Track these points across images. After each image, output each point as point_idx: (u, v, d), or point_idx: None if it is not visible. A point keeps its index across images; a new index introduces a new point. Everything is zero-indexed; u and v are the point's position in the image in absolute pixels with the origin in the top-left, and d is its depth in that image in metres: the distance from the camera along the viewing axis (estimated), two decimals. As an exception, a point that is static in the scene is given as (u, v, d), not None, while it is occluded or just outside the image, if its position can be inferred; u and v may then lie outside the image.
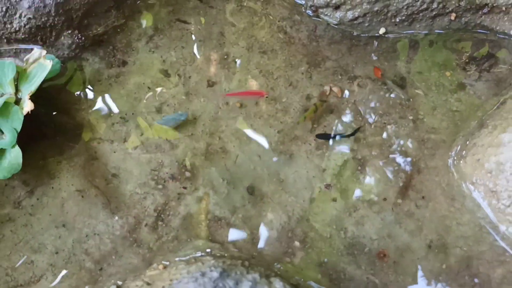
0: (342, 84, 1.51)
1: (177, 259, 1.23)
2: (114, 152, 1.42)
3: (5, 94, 1.38)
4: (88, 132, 1.44)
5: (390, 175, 1.38)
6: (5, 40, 1.48)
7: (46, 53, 1.41)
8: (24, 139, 1.33)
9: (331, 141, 1.42)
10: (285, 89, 1.50)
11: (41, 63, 1.39)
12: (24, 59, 1.42)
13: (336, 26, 1.58)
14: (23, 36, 1.47)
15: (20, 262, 1.27)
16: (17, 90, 1.40)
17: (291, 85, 1.51)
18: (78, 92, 1.50)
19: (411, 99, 1.48)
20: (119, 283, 1.17)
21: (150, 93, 1.49)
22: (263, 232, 1.31)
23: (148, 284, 1.11)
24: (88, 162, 1.40)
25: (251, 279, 1.07)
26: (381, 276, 1.26)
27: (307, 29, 1.59)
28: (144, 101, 1.48)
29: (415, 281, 1.26)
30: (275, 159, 1.41)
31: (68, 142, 1.44)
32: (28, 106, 1.32)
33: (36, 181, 1.37)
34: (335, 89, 1.50)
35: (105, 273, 1.25)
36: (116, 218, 1.33)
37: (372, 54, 1.56)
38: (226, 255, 1.21)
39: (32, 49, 1.45)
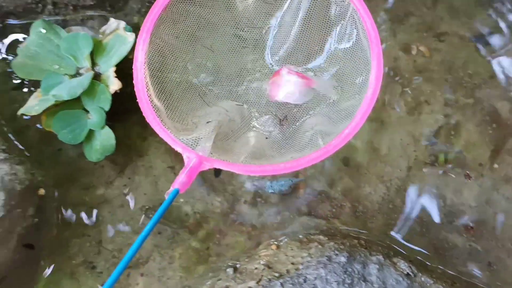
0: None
1: (284, 238, 1.24)
2: (200, 125, 1.37)
3: (81, 68, 1.31)
4: (169, 105, 1.39)
5: (484, 139, 1.36)
6: (71, 7, 1.38)
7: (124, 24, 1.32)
8: (108, 117, 1.27)
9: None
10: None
11: (118, 35, 1.30)
12: (100, 30, 1.32)
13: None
14: (91, 3, 1.36)
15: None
16: (93, 63, 1.32)
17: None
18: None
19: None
20: (238, 265, 1.17)
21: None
22: (364, 204, 1.31)
23: (269, 267, 1.12)
24: (175, 137, 1.36)
25: (376, 261, 1.08)
26: (483, 242, 1.28)
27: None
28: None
29: (514, 246, 1.29)
30: (366, 127, 1.37)
31: (151, 116, 1.38)
32: (115, 84, 1.25)
33: (125, 160, 1.33)
34: (422, 48, 1.44)
35: (212, 252, 1.26)
36: (213, 193, 1.31)
37: None
38: (337, 234, 1.21)
39: (99, 16, 1.36)
